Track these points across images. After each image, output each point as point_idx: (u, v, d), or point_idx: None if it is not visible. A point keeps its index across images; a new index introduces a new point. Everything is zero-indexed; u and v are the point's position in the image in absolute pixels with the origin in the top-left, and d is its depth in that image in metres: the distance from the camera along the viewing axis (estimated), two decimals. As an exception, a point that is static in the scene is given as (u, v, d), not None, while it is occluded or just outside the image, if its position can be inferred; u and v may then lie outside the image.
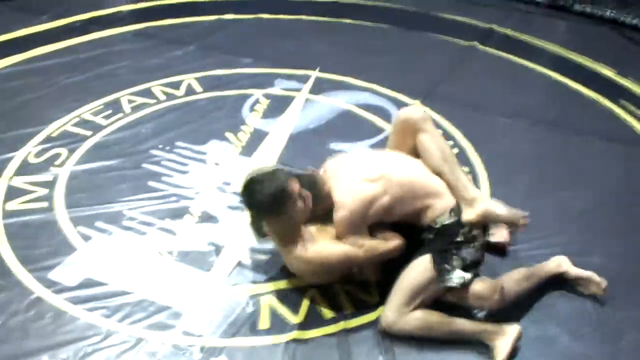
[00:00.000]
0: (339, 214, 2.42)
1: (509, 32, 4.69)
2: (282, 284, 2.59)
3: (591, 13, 4.94)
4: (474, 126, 3.57)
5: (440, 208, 2.45)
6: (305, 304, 2.51)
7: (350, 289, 2.57)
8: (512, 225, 2.64)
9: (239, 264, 2.68)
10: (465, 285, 2.40)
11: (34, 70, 4.03)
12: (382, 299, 2.52)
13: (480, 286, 2.42)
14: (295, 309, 2.49)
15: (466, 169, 3.22)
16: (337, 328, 2.42)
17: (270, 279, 2.61)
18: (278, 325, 2.43)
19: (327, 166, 2.62)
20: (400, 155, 2.59)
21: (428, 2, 5.08)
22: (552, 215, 2.99)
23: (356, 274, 2.59)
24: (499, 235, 2.76)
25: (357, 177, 2.46)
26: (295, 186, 2.39)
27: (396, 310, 2.37)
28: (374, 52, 4.38)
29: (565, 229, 2.91)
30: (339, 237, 2.44)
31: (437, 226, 2.44)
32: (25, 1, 4.94)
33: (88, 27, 4.55)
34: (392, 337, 2.38)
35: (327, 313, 2.47)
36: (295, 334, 2.39)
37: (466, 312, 2.44)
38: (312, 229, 2.48)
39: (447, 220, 2.43)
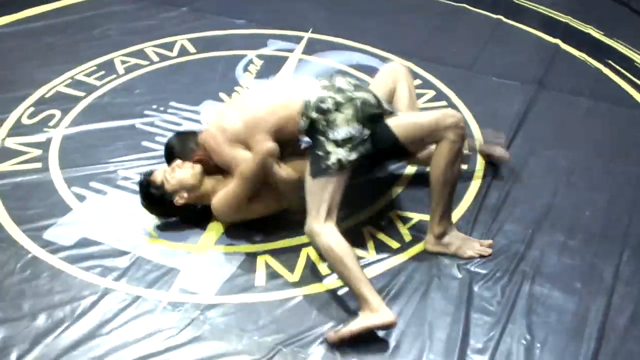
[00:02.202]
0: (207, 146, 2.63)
1: (498, -7, 4.69)
2: (277, 242, 2.62)
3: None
4: (466, 86, 3.59)
5: (296, 117, 2.53)
6: (301, 261, 2.54)
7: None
8: None
9: (235, 222, 2.68)
10: (347, 163, 2.43)
11: (25, 32, 4.01)
12: (378, 256, 2.57)
13: None
14: (290, 266, 2.52)
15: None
16: (333, 284, 2.45)
17: (266, 236, 2.64)
18: (274, 282, 2.46)
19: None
20: (267, 85, 2.85)
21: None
22: (541, 172, 3.03)
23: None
24: (499, 151, 3.01)
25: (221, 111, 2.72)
26: (158, 174, 2.63)
27: (311, 217, 2.40)
28: (366, 13, 4.37)
29: (554, 185, 2.95)
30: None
31: (302, 131, 2.53)
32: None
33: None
34: (386, 290, 2.42)
35: (323, 270, 2.51)
36: (291, 291, 2.43)
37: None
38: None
39: (303, 123, 2.50)
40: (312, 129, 2.50)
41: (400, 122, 2.54)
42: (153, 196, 2.64)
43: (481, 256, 2.59)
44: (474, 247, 2.61)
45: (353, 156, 2.44)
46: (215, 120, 2.67)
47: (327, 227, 2.37)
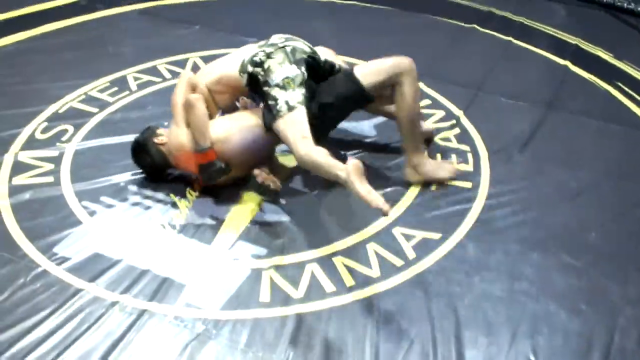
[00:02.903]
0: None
1: (508, 15, 4.71)
2: (282, 258, 2.64)
3: (588, -2, 4.98)
4: (475, 106, 3.61)
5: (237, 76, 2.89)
6: (305, 277, 2.55)
7: (350, 263, 2.62)
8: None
9: (241, 238, 2.73)
10: (296, 103, 2.72)
11: (41, 48, 4.07)
12: (382, 274, 2.58)
13: None
14: (295, 282, 2.53)
15: (467, 147, 3.28)
16: (338, 301, 2.46)
17: (271, 252, 2.66)
18: (279, 298, 2.47)
19: None
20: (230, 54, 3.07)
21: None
22: (548, 192, 3.03)
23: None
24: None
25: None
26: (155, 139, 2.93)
27: (294, 151, 2.69)
28: (376, 33, 4.40)
29: (562, 207, 2.95)
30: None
31: (247, 89, 2.89)
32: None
33: (95, 6, 4.58)
34: (390, 308, 2.43)
35: (328, 286, 2.52)
36: (295, 307, 2.44)
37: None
38: None
39: (244, 80, 2.86)
40: (255, 84, 2.83)
41: (364, 71, 2.88)
42: (139, 140, 2.96)
43: (452, 179, 2.98)
44: (447, 168, 3.01)
45: (299, 97, 2.73)
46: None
47: (304, 146, 2.63)
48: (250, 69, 2.83)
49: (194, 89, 2.91)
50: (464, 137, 3.35)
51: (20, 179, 3.01)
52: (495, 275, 2.59)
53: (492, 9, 4.76)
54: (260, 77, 2.80)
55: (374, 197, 2.36)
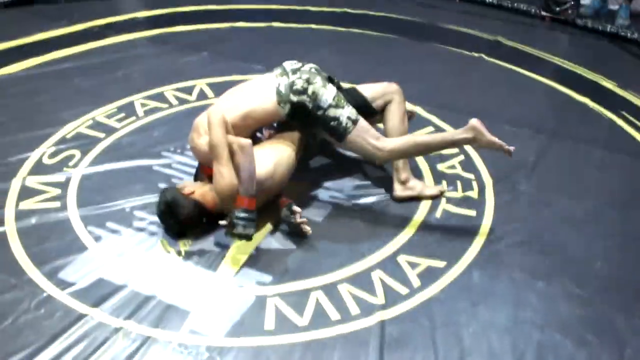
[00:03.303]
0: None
1: (514, 44, 4.75)
2: (287, 285, 2.63)
3: (592, 27, 5.01)
4: (480, 134, 3.61)
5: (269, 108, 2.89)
6: (310, 304, 2.55)
7: (355, 291, 2.62)
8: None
9: (245, 265, 2.73)
10: (355, 115, 2.88)
11: (51, 73, 4.12)
12: (387, 301, 2.57)
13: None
14: (300, 310, 2.53)
15: (472, 175, 3.29)
16: (342, 329, 2.45)
17: (276, 280, 2.66)
18: (283, 326, 2.46)
19: None
20: (244, 87, 3.02)
21: (436, 15, 5.15)
22: (553, 222, 3.03)
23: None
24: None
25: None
26: (182, 192, 2.80)
27: (373, 155, 2.91)
28: (383, 61, 4.44)
29: (567, 235, 2.95)
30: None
31: (288, 117, 2.90)
32: (45, 6, 5.07)
33: (104, 32, 4.65)
34: (395, 336, 2.42)
35: (333, 314, 2.52)
36: (300, 335, 2.43)
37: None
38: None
39: (286, 110, 2.88)
40: (300, 112, 2.88)
41: (364, 89, 3.13)
42: (167, 200, 2.79)
43: (441, 193, 3.12)
44: (434, 187, 3.14)
45: (353, 110, 2.89)
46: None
47: (383, 144, 2.87)
48: (294, 97, 2.86)
49: (226, 128, 2.77)
50: (468, 165, 3.36)
51: (27, 204, 3.02)
52: (500, 304, 2.58)
53: (498, 38, 4.80)
54: (307, 103, 2.86)
55: (502, 142, 2.80)
